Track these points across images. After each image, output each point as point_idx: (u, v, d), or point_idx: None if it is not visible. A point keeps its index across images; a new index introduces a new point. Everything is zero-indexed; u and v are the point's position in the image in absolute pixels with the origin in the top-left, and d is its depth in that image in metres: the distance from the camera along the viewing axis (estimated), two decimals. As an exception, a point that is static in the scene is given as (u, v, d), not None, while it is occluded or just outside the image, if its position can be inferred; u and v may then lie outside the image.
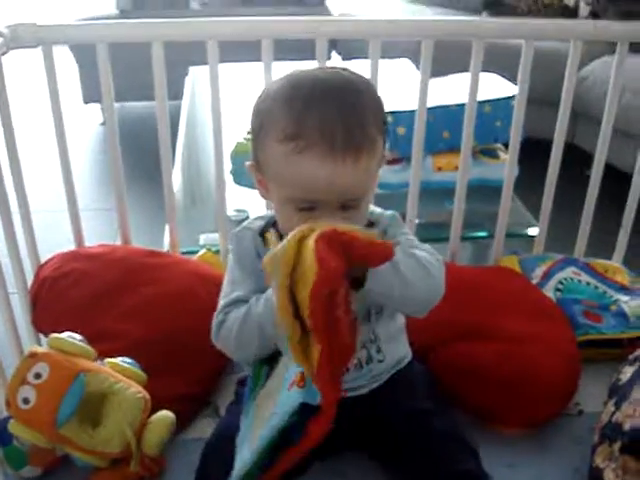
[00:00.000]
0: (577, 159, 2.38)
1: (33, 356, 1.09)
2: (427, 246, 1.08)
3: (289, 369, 0.96)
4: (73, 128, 2.75)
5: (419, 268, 1.00)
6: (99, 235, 1.90)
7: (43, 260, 1.45)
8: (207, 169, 1.95)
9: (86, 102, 3.68)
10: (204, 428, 1.24)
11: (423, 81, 1.47)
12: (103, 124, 3.75)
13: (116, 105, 1.43)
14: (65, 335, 1.13)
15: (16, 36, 1.29)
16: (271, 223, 1.10)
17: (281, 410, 0.93)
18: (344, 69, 1.01)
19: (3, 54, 1.27)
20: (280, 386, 0.97)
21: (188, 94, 2.54)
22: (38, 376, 1.06)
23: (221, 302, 1.07)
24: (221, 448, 1.04)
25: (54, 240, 1.64)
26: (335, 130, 0.92)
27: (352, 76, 1.00)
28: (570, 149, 1.59)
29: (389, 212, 1.12)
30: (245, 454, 0.97)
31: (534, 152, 1.79)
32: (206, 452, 1.07)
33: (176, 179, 1.87)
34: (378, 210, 1.12)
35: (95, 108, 3.80)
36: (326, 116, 0.93)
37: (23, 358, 1.10)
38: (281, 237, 1.07)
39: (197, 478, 1.05)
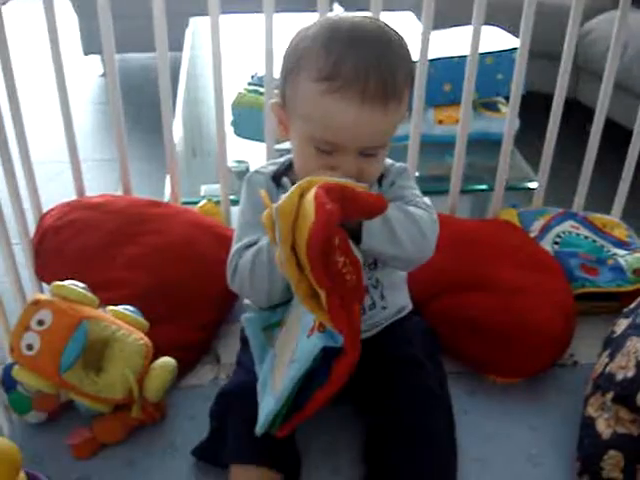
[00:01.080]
0: (579, 114, 2.38)
1: (36, 303, 1.10)
2: (427, 203, 1.10)
3: (306, 315, 0.96)
4: (73, 79, 2.74)
5: (411, 226, 1.02)
6: (101, 185, 1.91)
7: (45, 210, 1.46)
8: (208, 120, 1.95)
9: (86, 54, 3.64)
10: (205, 375, 1.26)
11: (424, 33, 1.46)
12: (103, 75, 3.73)
13: (117, 56, 1.42)
14: (68, 283, 1.14)
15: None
16: (283, 169, 1.11)
17: (303, 357, 0.93)
18: (377, 19, 1.03)
19: (3, 4, 1.26)
20: (298, 332, 0.97)
21: (188, 45, 2.52)
22: (41, 323, 1.08)
23: (234, 246, 1.08)
24: (241, 395, 1.05)
25: (56, 190, 1.65)
26: (369, 76, 0.94)
27: (386, 26, 1.02)
28: (572, 104, 1.59)
29: (399, 164, 1.14)
30: (269, 402, 0.97)
31: (536, 106, 1.79)
32: (222, 401, 1.08)
33: (177, 130, 1.87)
34: (389, 161, 1.13)
35: (95, 59, 3.77)
36: (362, 62, 0.95)
37: (26, 305, 1.12)
38: (294, 182, 1.08)
39: (215, 426, 1.07)
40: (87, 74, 3.80)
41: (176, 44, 2.36)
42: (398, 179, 1.11)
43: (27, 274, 1.40)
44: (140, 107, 2.49)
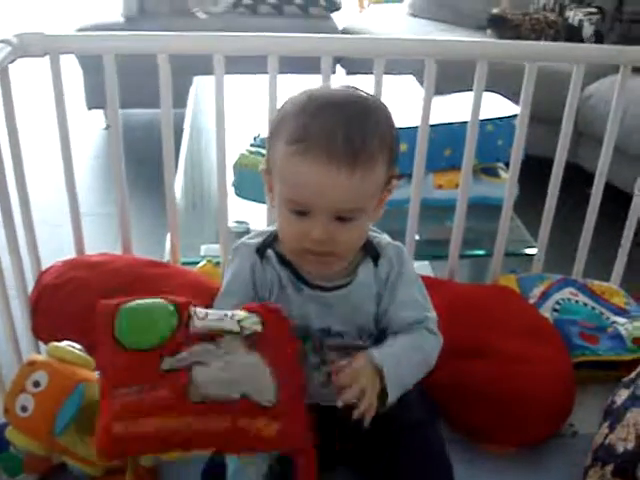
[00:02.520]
0: (579, 178, 2.39)
1: (32, 364, 1.10)
2: (424, 296, 1.14)
3: None
4: (75, 133, 2.76)
5: (420, 369, 1.10)
6: (99, 239, 1.90)
7: (44, 266, 1.46)
8: (209, 179, 1.96)
9: (89, 108, 3.68)
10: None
11: (426, 100, 1.49)
12: (106, 129, 3.76)
13: (120, 111, 1.44)
14: (64, 344, 1.14)
15: (24, 45, 1.29)
16: (270, 240, 1.12)
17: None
18: (363, 92, 1.06)
19: (11, 62, 1.28)
20: None
21: (192, 104, 2.54)
22: (37, 384, 1.07)
23: None
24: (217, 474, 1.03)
25: (55, 244, 1.65)
26: (336, 136, 0.96)
27: (368, 98, 1.04)
28: (572, 168, 1.60)
29: (394, 244, 1.14)
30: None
31: (535, 170, 1.80)
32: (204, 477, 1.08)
33: (178, 188, 1.88)
34: (385, 239, 1.14)
35: (98, 114, 3.81)
36: (330, 124, 0.97)
37: (22, 366, 1.11)
38: (279, 257, 1.10)
39: None
40: (90, 128, 3.84)
41: (178, 102, 2.40)
42: (397, 266, 1.11)
43: (24, 332, 1.39)
44: (141, 162, 2.51)
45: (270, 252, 1.10)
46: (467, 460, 1.21)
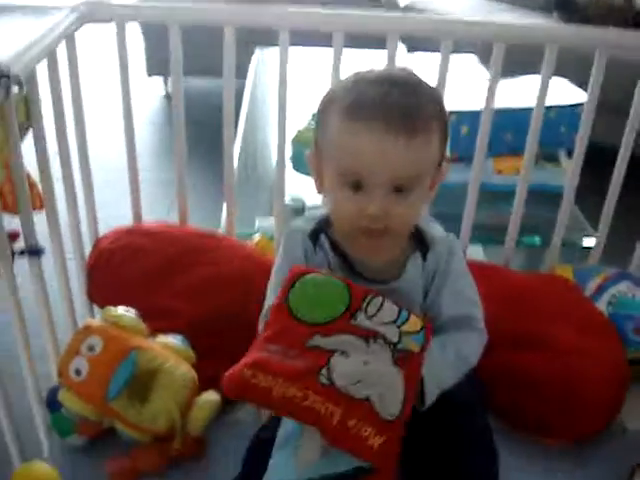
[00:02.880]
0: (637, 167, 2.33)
1: (87, 329, 1.12)
2: (474, 291, 1.11)
3: None
4: (135, 99, 2.77)
5: (458, 371, 1.06)
6: (154, 207, 1.91)
7: (102, 231, 1.48)
8: (267, 152, 1.96)
9: (150, 74, 3.71)
10: (248, 411, 1.25)
11: (492, 84, 1.46)
12: (166, 97, 3.78)
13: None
14: (120, 309, 1.16)
15: (91, 12, 1.30)
16: (323, 225, 1.10)
17: (334, 461, 0.93)
18: (410, 70, 1.06)
19: (77, 29, 1.29)
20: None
21: (252, 75, 2.54)
22: (91, 349, 1.09)
23: (265, 305, 1.09)
24: (263, 451, 1.03)
25: (112, 210, 1.67)
26: (393, 107, 0.96)
27: (416, 75, 1.04)
28: (635, 160, 1.55)
29: (448, 236, 1.12)
30: (287, 470, 0.96)
31: (595, 157, 1.75)
32: (252, 447, 1.08)
33: (235, 159, 1.89)
34: (437, 231, 1.12)
35: (158, 81, 3.83)
36: (385, 94, 0.97)
37: (78, 330, 1.13)
38: (332, 243, 1.08)
39: (244, 472, 1.06)
40: (149, 94, 3.87)
41: (239, 72, 2.40)
42: (445, 262, 1.10)
43: (79, 295, 1.42)
44: (199, 131, 2.52)
45: (323, 238, 1.09)
46: (513, 451, 1.19)
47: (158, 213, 1.51)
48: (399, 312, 0.98)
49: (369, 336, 0.95)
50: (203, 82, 3.77)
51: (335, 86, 1.06)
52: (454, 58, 1.43)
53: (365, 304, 0.97)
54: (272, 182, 1.58)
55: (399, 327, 0.97)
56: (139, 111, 1.44)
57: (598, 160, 1.74)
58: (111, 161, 2.24)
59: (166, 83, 3.80)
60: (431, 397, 1.01)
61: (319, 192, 1.10)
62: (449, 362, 1.04)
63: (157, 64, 3.56)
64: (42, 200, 1.22)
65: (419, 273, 1.09)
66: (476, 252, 1.84)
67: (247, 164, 1.97)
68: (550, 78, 1.46)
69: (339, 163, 1.00)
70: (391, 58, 1.41)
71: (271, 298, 1.07)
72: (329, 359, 0.92)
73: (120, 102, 1.44)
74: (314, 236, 1.09)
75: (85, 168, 1.42)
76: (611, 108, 2.26)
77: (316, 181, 1.09)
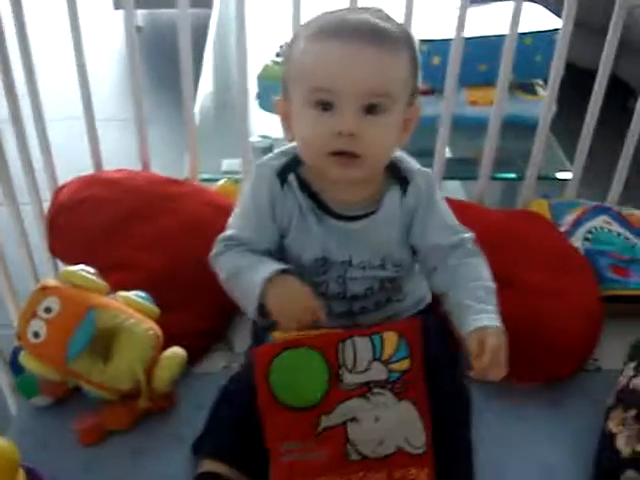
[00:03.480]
0: (619, 92, 2.27)
1: (44, 289, 1.08)
2: (455, 221, 1.10)
3: None
4: (102, 34, 2.66)
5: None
6: (123, 146, 1.84)
7: (61, 183, 1.43)
8: (235, 89, 1.89)
9: (116, 8, 3.58)
10: (217, 362, 1.24)
11: (461, 10, 1.39)
12: (137, 31, 3.65)
13: (150, 12, 1.38)
14: (77, 268, 1.12)
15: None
16: (292, 164, 1.06)
17: None
18: None
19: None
20: None
21: (217, 4, 2.43)
22: (48, 310, 1.06)
23: (226, 231, 1.09)
24: (237, 392, 1.03)
25: (74, 154, 1.60)
26: (361, 24, 0.95)
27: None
28: (611, 80, 1.49)
29: (424, 171, 1.09)
30: None
31: (574, 82, 1.69)
32: (221, 398, 1.05)
33: (201, 98, 1.82)
34: (415, 165, 1.09)
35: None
36: (355, 16, 0.97)
37: (34, 291, 1.10)
38: (301, 182, 1.05)
39: (209, 421, 1.05)
40: (117, 29, 3.73)
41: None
42: (426, 195, 1.08)
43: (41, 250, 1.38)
44: (171, 66, 2.44)
45: (292, 177, 1.05)
46: (487, 394, 1.17)
47: (128, 154, 1.44)
48: (372, 341, 0.99)
49: (364, 392, 0.97)
50: (174, 13, 3.65)
51: (300, 26, 1.05)
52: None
53: (341, 358, 0.98)
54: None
55: (380, 359, 0.99)
56: (108, 46, 1.37)
57: (576, 84, 1.68)
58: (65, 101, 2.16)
59: (135, 15, 3.67)
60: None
61: (289, 140, 1.06)
62: (491, 291, 1.05)
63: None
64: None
65: (397, 206, 1.07)
66: (455, 189, 1.81)
67: (215, 104, 1.90)
68: (522, 2, 1.39)
69: (307, 83, 0.97)
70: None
71: (232, 226, 1.08)
72: (346, 433, 0.95)
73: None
74: (283, 174, 1.06)
75: (37, 111, 1.35)
76: (594, 29, 2.20)
77: (286, 129, 1.05)
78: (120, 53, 3.46)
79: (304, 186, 1.05)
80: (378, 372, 0.98)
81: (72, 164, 1.46)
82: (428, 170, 1.11)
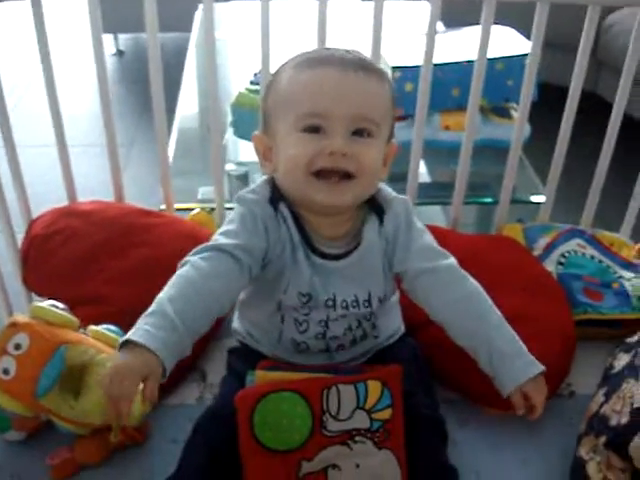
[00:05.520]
0: (600, 110, 2.27)
1: (14, 326, 1.08)
2: (437, 245, 1.12)
3: None
4: (83, 59, 2.65)
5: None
6: (101, 171, 1.84)
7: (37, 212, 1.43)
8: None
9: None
10: (190, 394, 1.23)
11: (429, 37, 1.40)
12: (115, 54, 3.65)
13: (133, 35, 1.38)
14: (47, 304, 1.12)
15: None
16: (279, 194, 1.05)
17: None
18: None
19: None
20: None
21: (196, 31, 2.44)
22: (18, 347, 1.06)
23: (212, 238, 1.04)
24: (212, 428, 1.02)
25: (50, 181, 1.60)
26: (346, 56, 0.99)
27: None
28: (592, 99, 1.49)
29: (400, 198, 1.10)
30: None
31: (551, 104, 1.69)
32: (197, 429, 1.04)
33: (178, 123, 1.83)
34: (391, 194, 1.10)
35: (107, 38, 3.70)
36: (337, 51, 1.01)
37: (4, 327, 1.09)
38: (293, 213, 1.04)
39: (181, 463, 1.03)
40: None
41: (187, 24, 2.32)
42: (405, 221, 1.08)
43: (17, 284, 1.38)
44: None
45: (283, 206, 1.04)
46: (461, 421, 1.19)
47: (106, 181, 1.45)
48: (356, 389, 1.00)
49: (346, 440, 0.97)
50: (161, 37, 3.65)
51: (281, 64, 1.05)
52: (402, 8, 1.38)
53: (325, 405, 0.99)
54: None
55: (364, 408, 0.99)
56: (89, 71, 1.37)
57: (553, 106, 1.67)
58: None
59: (116, 39, 3.67)
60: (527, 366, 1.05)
61: (268, 173, 1.06)
62: (498, 319, 1.09)
63: (105, 21, 3.43)
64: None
65: (377, 237, 1.07)
66: (435, 214, 1.82)
67: (190, 130, 1.91)
68: (490, 27, 1.39)
69: (297, 109, 0.97)
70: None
71: (218, 236, 1.03)
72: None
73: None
74: (273, 202, 1.04)
75: (9, 143, 1.35)
76: (562, 47, 2.20)
77: (264, 164, 1.06)
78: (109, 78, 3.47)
79: (295, 217, 1.04)
80: (361, 420, 0.99)
81: (49, 193, 1.46)
82: (405, 197, 1.12)
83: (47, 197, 1.46)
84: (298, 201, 1.03)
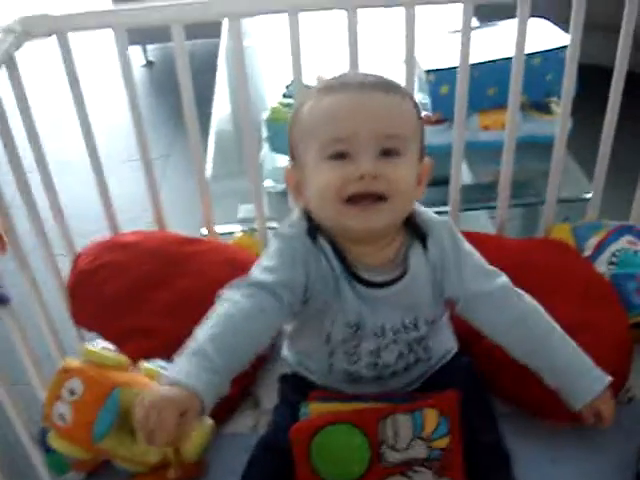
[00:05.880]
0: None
1: (67, 371, 1.09)
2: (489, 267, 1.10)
3: None
4: (113, 71, 2.67)
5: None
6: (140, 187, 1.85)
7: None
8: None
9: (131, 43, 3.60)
10: (243, 422, 1.23)
11: (464, 38, 1.36)
12: (145, 66, 3.66)
13: (161, 45, 1.38)
14: (99, 347, 1.12)
15: (29, 30, 1.23)
16: (316, 226, 1.03)
17: None
18: None
19: (17, 49, 1.22)
20: None
21: (225, 40, 2.41)
22: (72, 392, 1.07)
23: (250, 273, 1.02)
24: (267, 461, 1.03)
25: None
26: (366, 78, 0.99)
27: None
28: (631, 78, 1.41)
29: (441, 220, 1.08)
30: None
31: (595, 82, 1.61)
32: (252, 462, 1.04)
33: (212, 144, 1.81)
34: (427, 215, 1.07)
35: (135, 50, 3.69)
36: (357, 74, 1.04)
37: (57, 372, 1.10)
38: (333, 244, 1.02)
39: None
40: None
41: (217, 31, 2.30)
42: (451, 243, 1.07)
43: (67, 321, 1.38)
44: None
45: (322, 238, 1.02)
46: (517, 434, 1.15)
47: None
48: (413, 418, 0.99)
49: (404, 470, 0.97)
50: (191, 45, 3.64)
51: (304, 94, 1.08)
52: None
53: (382, 435, 0.98)
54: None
55: (421, 437, 0.98)
56: (118, 85, 1.37)
57: (595, 90, 1.60)
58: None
59: (145, 51, 3.68)
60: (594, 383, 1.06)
61: (301, 206, 1.05)
62: (556, 343, 1.08)
63: (133, 32, 3.44)
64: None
65: (423, 264, 1.04)
66: (481, 219, 1.78)
67: (229, 149, 1.89)
68: (527, 21, 1.34)
69: (321, 136, 0.96)
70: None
71: (254, 273, 1.00)
72: None
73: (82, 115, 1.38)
74: (311, 234, 1.02)
75: (50, 189, 1.37)
76: (602, 27, 2.12)
77: (296, 196, 1.05)
78: (140, 89, 3.47)
79: (336, 249, 1.02)
80: (419, 450, 0.98)
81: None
82: (445, 218, 1.10)
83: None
84: (335, 231, 1.02)
